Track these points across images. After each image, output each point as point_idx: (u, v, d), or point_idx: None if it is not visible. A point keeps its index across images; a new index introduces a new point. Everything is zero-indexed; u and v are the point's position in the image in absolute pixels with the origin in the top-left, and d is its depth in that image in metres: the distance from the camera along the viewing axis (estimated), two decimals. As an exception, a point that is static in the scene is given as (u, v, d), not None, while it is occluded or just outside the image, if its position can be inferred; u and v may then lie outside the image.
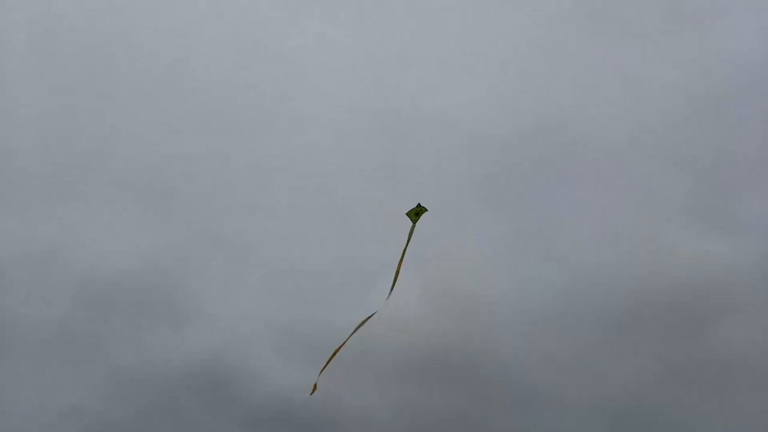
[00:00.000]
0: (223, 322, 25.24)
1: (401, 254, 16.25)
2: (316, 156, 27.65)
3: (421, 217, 17.39)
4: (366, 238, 26.00)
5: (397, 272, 16.26)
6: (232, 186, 26.40)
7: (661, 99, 29.32)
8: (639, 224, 27.62)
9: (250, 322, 25.11)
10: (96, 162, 26.16)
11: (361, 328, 16.90)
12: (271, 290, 25.65)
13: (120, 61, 27.01)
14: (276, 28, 28.42)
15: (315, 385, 16.81)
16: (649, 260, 26.81)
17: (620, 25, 29.46)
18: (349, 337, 16.64)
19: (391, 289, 16.38)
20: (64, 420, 22.18)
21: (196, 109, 27.70)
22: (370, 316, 16.64)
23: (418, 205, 16.34)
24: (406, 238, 16.17)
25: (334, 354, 16.64)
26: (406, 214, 16.34)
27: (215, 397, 23.67)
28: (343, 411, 23.85)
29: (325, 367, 16.60)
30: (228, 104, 27.57)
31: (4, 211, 24.56)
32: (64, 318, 23.81)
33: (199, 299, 25.37)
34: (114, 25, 27.19)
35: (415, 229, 16.03)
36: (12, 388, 22.54)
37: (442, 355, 25.90)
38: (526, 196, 28.17)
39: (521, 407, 25.70)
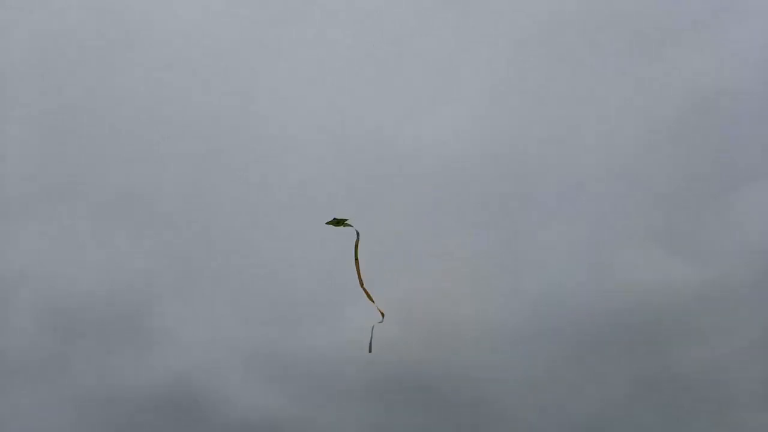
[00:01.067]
0: (189, 345, 25.14)
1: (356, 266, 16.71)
2: (287, 181, 27.91)
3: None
4: (335, 258, 26.14)
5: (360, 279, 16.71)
6: (199, 209, 26.45)
7: (625, 125, 30.16)
8: (604, 246, 28.24)
9: (217, 345, 25.09)
10: (61, 186, 26.04)
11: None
12: (237, 312, 25.68)
13: (85, 86, 27.07)
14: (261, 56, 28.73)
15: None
16: (615, 281, 27.39)
17: (588, 51, 30.36)
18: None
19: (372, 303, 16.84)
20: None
21: (164, 134, 27.84)
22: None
23: (334, 219, 16.86)
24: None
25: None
26: (327, 223, 16.81)
27: (183, 419, 23.54)
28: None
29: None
30: (193, 132, 27.77)
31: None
32: (30, 342, 23.57)
33: (165, 322, 25.34)
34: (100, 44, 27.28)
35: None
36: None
37: (412, 375, 26.09)
38: (496, 219, 28.64)
39: (491, 426, 25.96)
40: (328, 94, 28.84)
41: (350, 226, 16.79)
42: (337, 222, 16.77)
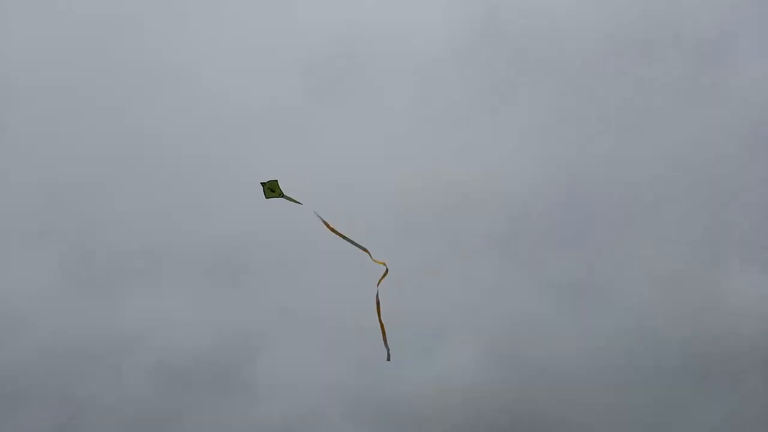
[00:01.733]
0: (292, 393, 25.84)
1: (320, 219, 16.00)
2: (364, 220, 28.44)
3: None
4: (423, 295, 26.62)
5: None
6: (295, 258, 27.34)
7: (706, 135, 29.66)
8: (692, 268, 27.54)
9: (320, 390, 25.68)
10: (166, 248, 27.46)
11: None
12: (336, 357, 26.24)
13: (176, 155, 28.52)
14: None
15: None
16: (707, 305, 26.64)
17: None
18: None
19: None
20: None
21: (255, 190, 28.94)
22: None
23: (263, 185, 15.55)
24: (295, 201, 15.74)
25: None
26: (267, 197, 15.66)
27: None
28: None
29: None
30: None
31: (85, 297, 25.99)
32: (143, 397, 24.74)
33: (267, 372, 26.16)
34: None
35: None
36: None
37: (503, 417, 25.92)
38: (562, 251, 28.41)
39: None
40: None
41: (294, 200, 15.60)
42: (272, 190, 15.42)
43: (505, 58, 29.86)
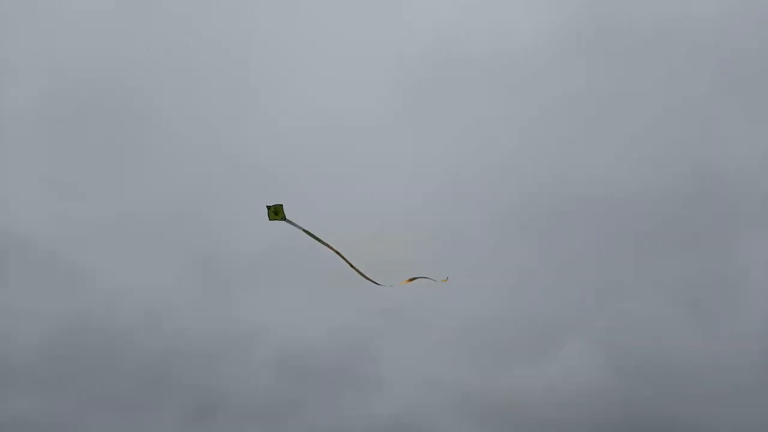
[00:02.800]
0: (404, 389, 26.71)
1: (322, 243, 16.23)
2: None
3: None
4: (542, 295, 26.82)
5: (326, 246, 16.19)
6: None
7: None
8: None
9: (433, 387, 26.42)
10: (285, 255, 28.88)
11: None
12: (448, 355, 26.86)
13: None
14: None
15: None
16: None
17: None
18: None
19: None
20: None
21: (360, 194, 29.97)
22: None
23: (269, 208, 15.88)
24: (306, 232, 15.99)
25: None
26: (270, 220, 15.87)
27: None
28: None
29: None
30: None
31: (210, 296, 27.92)
32: (268, 388, 26.46)
33: (384, 366, 27.18)
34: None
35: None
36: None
37: (615, 417, 25.54)
38: (683, 249, 27.46)
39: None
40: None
41: (296, 225, 15.76)
42: (276, 210, 15.71)
43: (602, 59, 29.56)
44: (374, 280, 16.87)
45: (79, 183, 28.33)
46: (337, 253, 16.39)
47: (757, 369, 25.35)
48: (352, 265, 16.59)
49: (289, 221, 15.95)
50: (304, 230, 16.02)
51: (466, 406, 26.25)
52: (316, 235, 16.13)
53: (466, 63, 30.09)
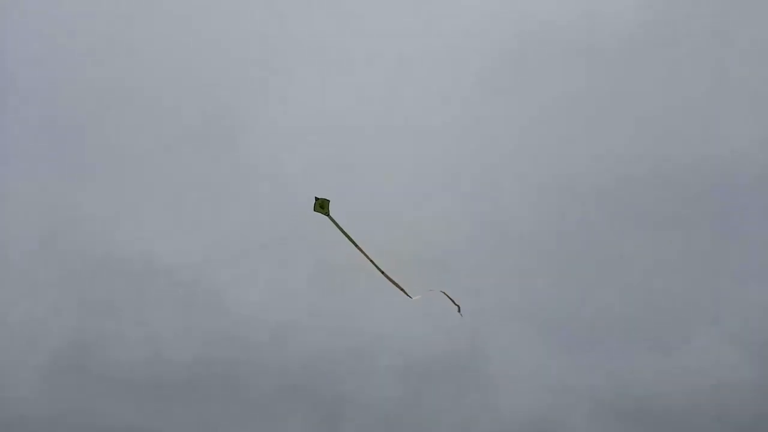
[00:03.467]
0: (535, 390, 26.57)
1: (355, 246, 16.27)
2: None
3: None
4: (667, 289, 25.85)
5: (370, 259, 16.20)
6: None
7: None
8: None
9: (560, 389, 26.17)
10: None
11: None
12: (574, 355, 26.37)
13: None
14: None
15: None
16: None
17: None
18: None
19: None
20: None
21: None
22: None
23: (317, 200, 16.41)
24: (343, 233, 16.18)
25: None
26: (314, 210, 16.40)
27: None
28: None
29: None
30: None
31: (332, 306, 29.01)
32: (392, 393, 27.26)
33: (509, 368, 27.18)
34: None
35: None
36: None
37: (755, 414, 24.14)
38: None
39: None
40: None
41: (336, 224, 16.11)
42: (321, 204, 16.27)
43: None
44: (404, 290, 16.89)
45: (199, 205, 30.14)
46: (370, 259, 16.51)
47: None
48: (383, 272, 16.65)
49: (331, 218, 16.39)
50: (342, 231, 16.35)
51: (594, 404, 25.77)
52: (354, 239, 16.41)
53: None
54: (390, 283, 16.78)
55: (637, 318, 26.09)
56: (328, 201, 16.57)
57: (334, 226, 16.50)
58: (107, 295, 28.25)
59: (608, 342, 26.20)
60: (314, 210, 16.51)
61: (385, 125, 30.68)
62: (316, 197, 16.61)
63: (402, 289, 17.00)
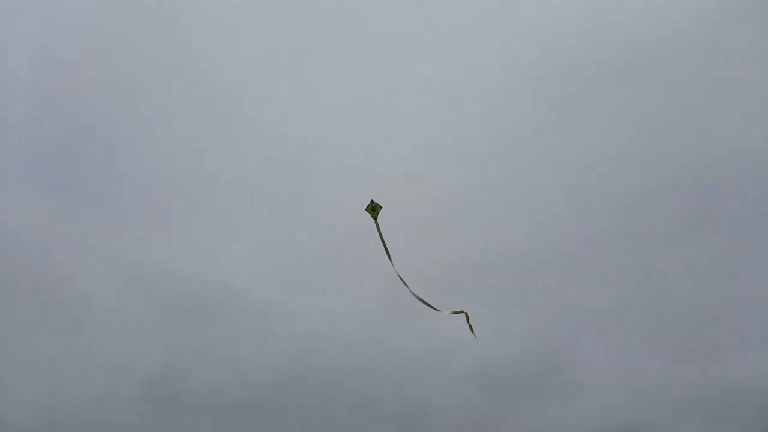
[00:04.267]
0: (616, 391, 25.48)
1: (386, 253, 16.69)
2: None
3: None
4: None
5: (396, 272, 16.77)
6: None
7: None
8: None
9: (642, 389, 25.25)
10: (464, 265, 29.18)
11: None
12: (656, 353, 25.18)
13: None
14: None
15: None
16: None
17: None
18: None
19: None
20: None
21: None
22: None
23: (371, 202, 17.10)
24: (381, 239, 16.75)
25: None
26: (366, 210, 17.17)
27: None
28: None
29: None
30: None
31: (400, 316, 29.04)
32: (470, 400, 27.15)
33: (588, 372, 26.33)
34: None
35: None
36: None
37: None
38: None
39: None
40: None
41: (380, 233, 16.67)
42: (374, 207, 16.95)
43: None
44: (434, 306, 17.48)
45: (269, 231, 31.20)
46: (399, 276, 17.35)
47: None
48: (414, 294, 17.45)
49: (377, 224, 17.31)
50: (382, 239, 17.17)
51: (670, 404, 24.38)
52: (389, 252, 17.22)
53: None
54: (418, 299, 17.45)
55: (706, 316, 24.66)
56: (381, 207, 17.44)
57: (377, 232, 17.35)
58: (191, 325, 29.84)
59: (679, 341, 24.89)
60: (365, 210, 17.45)
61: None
62: (372, 200, 17.47)
63: (429, 305, 17.41)
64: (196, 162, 32.43)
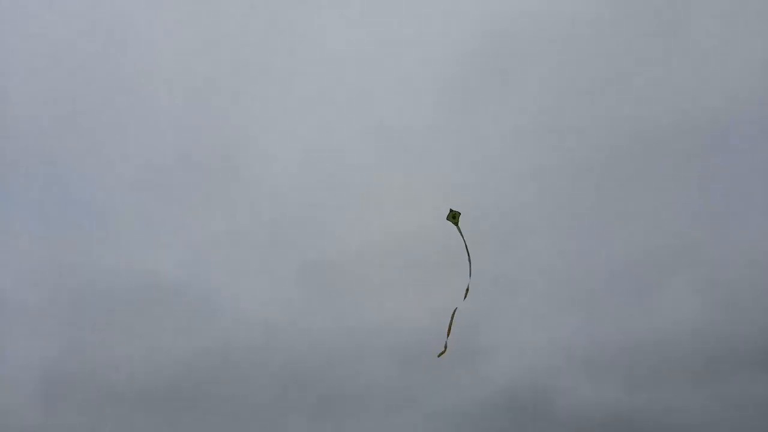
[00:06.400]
0: (532, 350, 27.89)
1: (467, 254, 18.20)
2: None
3: None
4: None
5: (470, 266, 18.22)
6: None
7: None
8: None
9: (552, 346, 27.65)
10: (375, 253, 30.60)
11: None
12: (565, 313, 27.80)
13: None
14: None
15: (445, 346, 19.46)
16: None
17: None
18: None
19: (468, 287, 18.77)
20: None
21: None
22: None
23: (451, 211, 18.34)
24: (464, 242, 18.08)
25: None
26: (447, 219, 18.42)
27: (528, 417, 26.65)
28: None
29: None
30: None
31: (321, 302, 30.15)
32: (376, 373, 28.94)
33: (489, 338, 28.24)
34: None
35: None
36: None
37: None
38: None
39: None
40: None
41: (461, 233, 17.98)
42: (454, 215, 18.21)
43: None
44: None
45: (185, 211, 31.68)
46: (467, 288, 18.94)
47: None
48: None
49: (459, 228, 18.62)
50: (464, 240, 18.56)
51: (576, 362, 26.88)
52: (469, 249, 18.60)
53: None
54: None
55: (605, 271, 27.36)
56: (460, 213, 18.68)
57: (460, 236, 18.73)
58: (104, 312, 29.91)
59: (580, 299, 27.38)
60: (447, 219, 18.71)
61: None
62: (451, 209, 18.71)
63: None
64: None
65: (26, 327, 28.55)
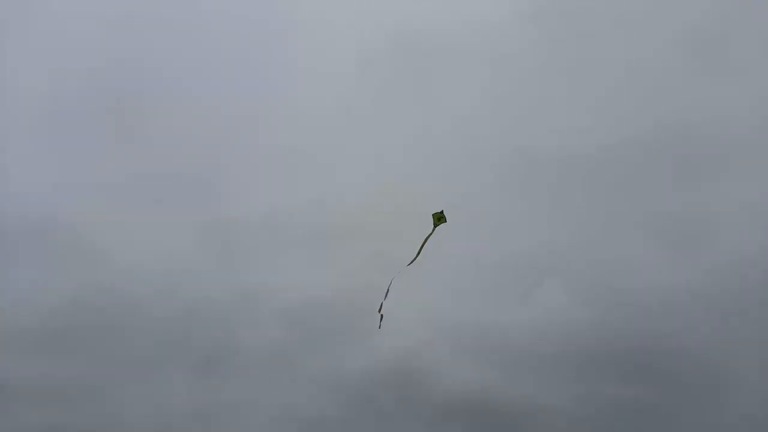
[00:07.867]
0: (405, 328, 28.38)
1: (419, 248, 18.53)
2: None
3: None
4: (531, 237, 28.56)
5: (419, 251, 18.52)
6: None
7: None
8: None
9: (428, 325, 28.53)
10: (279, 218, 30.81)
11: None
12: (446, 293, 28.85)
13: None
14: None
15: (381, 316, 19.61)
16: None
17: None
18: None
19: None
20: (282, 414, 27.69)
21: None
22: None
23: (441, 212, 18.55)
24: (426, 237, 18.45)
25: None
26: (433, 215, 18.67)
27: (404, 395, 27.63)
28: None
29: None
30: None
31: (223, 261, 29.91)
32: (268, 338, 28.93)
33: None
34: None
35: None
36: (240, 394, 28.12)
37: (614, 349, 27.36)
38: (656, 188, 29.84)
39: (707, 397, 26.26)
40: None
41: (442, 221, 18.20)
42: (440, 217, 18.41)
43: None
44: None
45: (85, 152, 30.59)
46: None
47: (733, 301, 27.15)
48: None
49: (433, 231, 18.62)
50: (424, 243, 18.69)
51: (461, 346, 28.25)
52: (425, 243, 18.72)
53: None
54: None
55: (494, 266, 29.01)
56: (445, 221, 18.61)
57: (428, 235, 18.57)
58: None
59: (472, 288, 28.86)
60: (433, 215, 18.48)
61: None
62: (443, 211, 18.51)
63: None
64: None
65: None
